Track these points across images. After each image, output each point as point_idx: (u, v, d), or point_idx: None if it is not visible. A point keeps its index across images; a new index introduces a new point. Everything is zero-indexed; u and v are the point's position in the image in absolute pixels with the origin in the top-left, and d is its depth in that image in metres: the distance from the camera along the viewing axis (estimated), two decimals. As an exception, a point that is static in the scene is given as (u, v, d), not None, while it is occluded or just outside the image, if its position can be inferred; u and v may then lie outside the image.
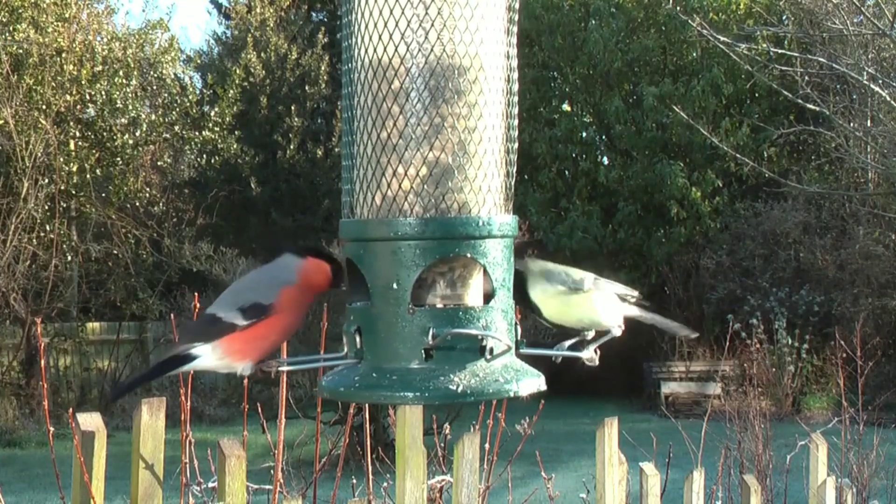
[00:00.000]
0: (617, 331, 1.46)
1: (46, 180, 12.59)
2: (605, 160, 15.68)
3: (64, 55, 12.85)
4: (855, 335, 5.84)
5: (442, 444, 2.74)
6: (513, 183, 1.37)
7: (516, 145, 1.38)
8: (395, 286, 1.29)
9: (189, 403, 2.11)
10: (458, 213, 1.30)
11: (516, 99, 1.38)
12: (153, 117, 13.82)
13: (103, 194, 13.44)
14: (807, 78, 11.23)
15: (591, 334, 1.46)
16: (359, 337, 1.32)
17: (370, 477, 2.52)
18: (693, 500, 2.74)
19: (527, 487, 3.42)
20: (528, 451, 2.91)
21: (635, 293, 1.49)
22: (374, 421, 7.48)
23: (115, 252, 13.43)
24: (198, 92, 15.55)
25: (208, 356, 1.35)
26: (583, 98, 15.67)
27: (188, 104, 14.47)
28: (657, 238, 14.92)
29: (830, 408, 11.66)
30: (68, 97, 12.87)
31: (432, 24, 1.29)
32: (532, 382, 1.31)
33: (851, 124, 12.19)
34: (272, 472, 2.20)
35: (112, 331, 14.14)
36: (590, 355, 1.44)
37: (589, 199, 15.17)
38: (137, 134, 13.52)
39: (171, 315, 2.40)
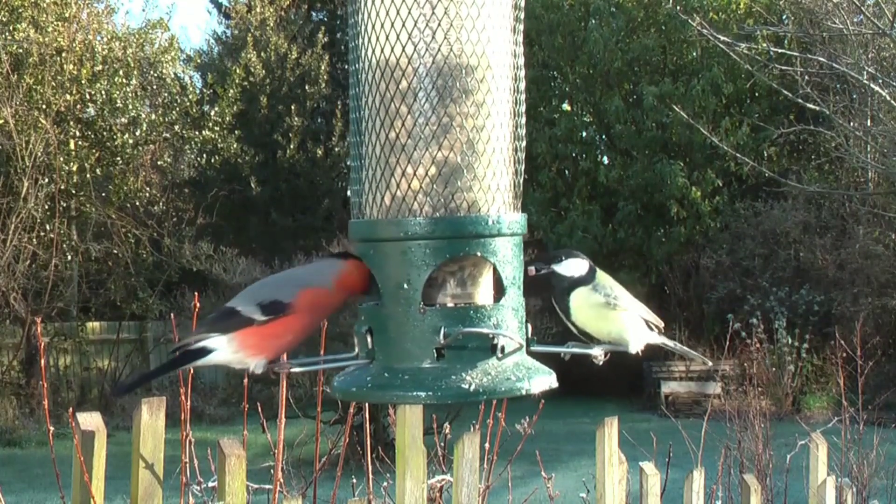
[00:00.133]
0: (632, 350, 1.48)
1: (46, 180, 12.59)
2: (605, 160, 15.68)
3: (64, 55, 12.86)
4: (855, 335, 5.84)
5: (442, 444, 2.74)
6: (521, 181, 1.37)
7: (524, 143, 1.38)
8: (405, 286, 1.29)
9: (189, 403, 2.11)
10: (467, 212, 1.30)
11: (524, 97, 1.38)
12: (153, 117, 13.82)
13: (103, 194, 13.44)
14: (807, 77, 11.23)
15: (606, 347, 1.47)
16: (370, 337, 1.32)
17: (370, 476, 2.52)
18: (693, 500, 2.74)
19: (527, 487, 3.42)
20: (528, 450, 2.91)
21: (661, 323, 1.52)
22: (374, 420, 7.48)
23: (115, 252, 13.43)
24: (198, 91, 15.54)
25: (223, 349, 1.35)
26: (583, 98, 15.67)
27: (188, 104, 14.47)
28: (657, 238, 14.93)
29: (830, 407, 11.66)
30: (68, 97, 12.87)
31: (439, 24, 1.29)
32: (544, 380, 1.32)
33: (851, 124, 12.19)
34: (272, 471, 2.20)
35: (112, 330, 14.14)
36: (598, 352, 1.45)
37: (589, 198, 15.17)
38: (137, 133, 13.52)
39: (171, 315, 2.40)
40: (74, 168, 12.85)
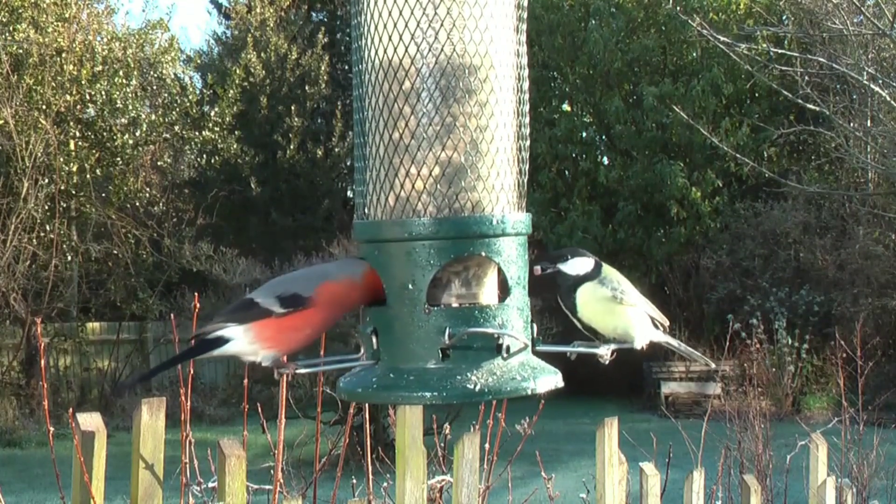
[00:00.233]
0: (637, 346, 1.48)
1: (46, 180, 12.59)
2: (605, 160, 15.68)
3: (64, 55, 12.86)
4: (855, 335, 5.84)
5: (442, 444, 2.74)
6: (525, 181, 1.37)
7: (528, 143, 1.38)
8: (410, 286, 1.29)
9: (189, 403, 2.11)
10: (471, 212, 1.30)
11: (527, 97, 1.38)
12: (153, 117, 13.82)
13: (103, 194, 13.44)
14: (807, 78, 11.23)
15: (612, 345, 1.47)
16: (375, 338, 1.32)
17: (370, 477, 2.52)
18: (693, 500, 2.74)
19: (527, 487, 3.42)
20: (528, 451, 2.91)
21: (666, 321, 1.52)
22: (374, 421, 7.48)
23: (115, 252, 13.43)
24: (198, 92, 15.54)
25: (240, 339, 1.35)
26: (583, 98, 15.67)
27: (188, 104, 14.47)
28: (657, 238, 14.93)
29: (830, 408, 11.66)
30: (68, 97, 12.87)
31: (442, 24, 1.29)
32: (550, 380, 1.32)
33: (851, 124, 12.19)
34: (272, 472, 2.20)
35: (112, 331, 14.14)
36: (605, 352, 1.45)
37: (589, 199, 15.17)
38: (137, 134, 13.52)
39: (171, 315, 2.40)
40: (74, 168, 12.85)
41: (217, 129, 14.67)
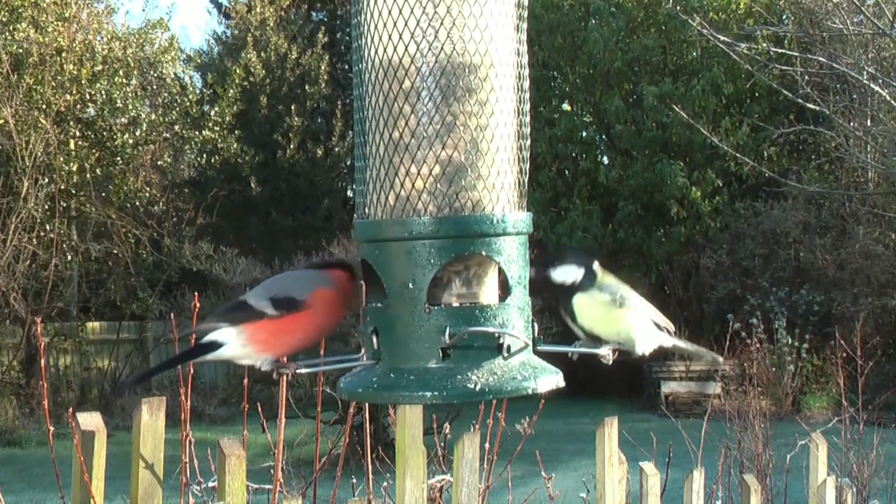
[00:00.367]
0: (639, 351, 1.48)
1: (46, 180, 12.59)
2: (605, 160, 15.68)
3: (64, 55, 12.86)
4: (855, 335, 5.84)
5: (442, 444, 2.74)
6: (526, 180, 1.37)
7: (529, 142, 1.37)
8: (410, 286, 1.29)
9: (189, 403, 2.11)
10: (472, 212, 1.30)
11: (528, 96, 1.38)
12: (153, 117, 13.82)
13: (103, 194, 13.44)
14: (807, 77, 11.23)
15: (613, 345, 1.47)
16: (375, 338, 1.32)
17: (370, 477, 2.52)
18: (693, 500, 2.74)
19: (527, 487, 3.42)
20: (528, 450, 2.91)
21: (671, 326, 1.52)
22: (374, 421, 7.48)
23: (115, 252, 13.43)
24: (198, 92, 15.54)
25: (233, 343, 1.35)
26: (583, 98, 15.67)
27: (188, 104, 14.47)
28: (657, 238, 14.93)
29: (830, 407, 11.66)
30: (68, 97, 12.87)
31: (442, 23, 1.29)
32: (551, 379, 1.31)
33: (851, 124, 12.19)
34: (272, 471, 2.20)
35: (112, 330, 14.15)
36: (606, 352, 1.45)
37: (589, 198, 15.17)
38: (137, 134, 13.52)
39: (171, 315, 2.40)
40: (74, 168, 12.85)
41: (217, 128, 14.67)
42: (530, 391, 1.29)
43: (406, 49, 1.29)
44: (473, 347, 1.28)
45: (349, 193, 16.95)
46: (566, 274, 1.46)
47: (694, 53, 15.48)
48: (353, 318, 1.39)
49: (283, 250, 13.61)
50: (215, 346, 1.35)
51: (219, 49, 18.06)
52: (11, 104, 12.24)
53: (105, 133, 13.31)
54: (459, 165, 1.30)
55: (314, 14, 18.64)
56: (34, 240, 12.52)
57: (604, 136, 15.71)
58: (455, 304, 1.32)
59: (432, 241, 1.28)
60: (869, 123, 12.64)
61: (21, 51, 12.59)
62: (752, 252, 14.28)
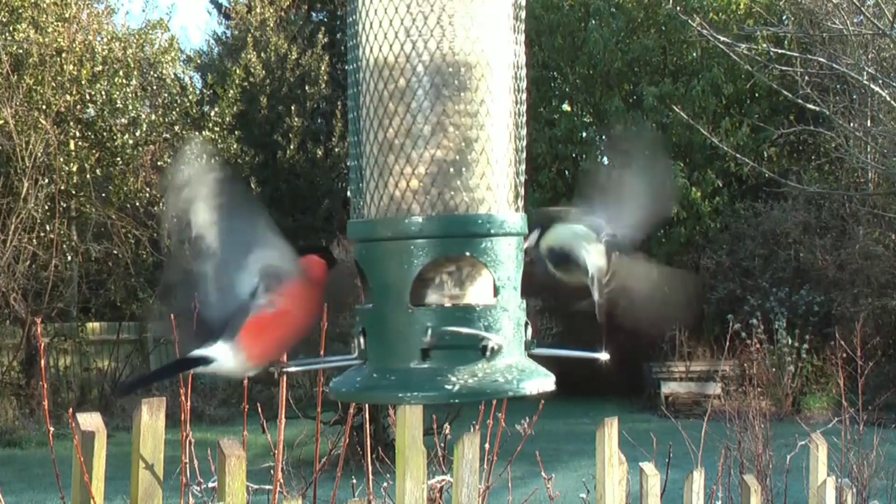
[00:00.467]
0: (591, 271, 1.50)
1: (46, 180, 12.59)
2: (605, 160, 15.66)
3: (64, 55, 12.85)
4: (855, 335, 5.84)
5: (442, 444, 2.74)
6: (522, 181, 1.35)
7: (525, 143, 1.36)
8: (394, 286, 1.27)
9: (189, 403, 2.11)
10: (464, 212, 1.28)
11: (525, 97, 1.36)
12: (153, 117, 13.82)
13: (103, 194, 13.44)
14: (807, 78, 11.23)
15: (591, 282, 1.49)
16: (363, 338, 1.31)
17: (370, 477, 2.52)
18: (693, 500, 2.74)
19: (527, 487, 3.42)
20: (528, 451, 2.91)
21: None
22: (374, 421, 7.48)
23: (115, 252, 13.42)
24: (198, 92, 15.54)
25: (227, 358, 1.35)
26: (583, 98, 15.67)
27: (188, 104, 14.47)
28: (657, 238, 14.92)
29: (830, 408, 11.65)
30: (68, 97, 12.87)
31: (437, 21, 1.28)
32: (538, 382, 1.29)
33: (851, 124, 12.19)
34: (272, 472, 2.20)
35: (112, 331, 14.14)
36: (604, 356, 1.45)
37: (589, 199, 15.16)
38: (137, 134, 13.52)
39: (171, 315, 2.40)
40: (74, 168, 12.85)
41: (217, 129, 14.66)
42: (511, 394, 1.27)
43: (402, 47, 1.28)
44: (457, 349, 1.26)
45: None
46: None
47: (694, 54, 15.49)
48: (353, 318, 1.39)
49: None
50: (208, 361, 1.35)
51: (219, 49, 18.07)
52: (11, 105, 12.24)
53: (105, 133, 13.31)
54: (452, 165, 1.28)
55: (314, 14, 18.65)
56: (34, 240, 12.51)
57: (604, 137, 15.70)
58: (441, 305, 1.30)
59: (417, 241, 1.27)
60: (869, 124, 12.64)
61: (21, 51, 12.59)
62: (752, 252, 14.28)
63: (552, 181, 15.22)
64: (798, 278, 13.97)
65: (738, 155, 12.02)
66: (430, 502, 2.52)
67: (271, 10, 16.93)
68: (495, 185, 1.31)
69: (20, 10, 12.66)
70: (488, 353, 1.26)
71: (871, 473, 4.68)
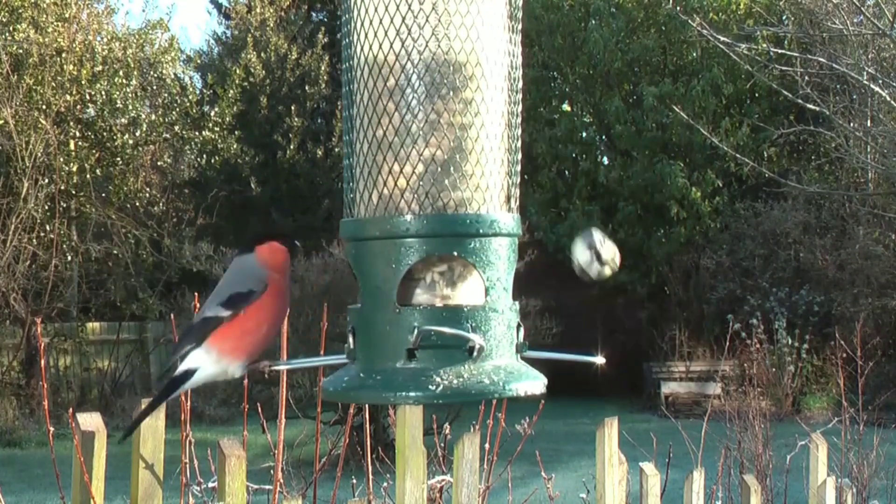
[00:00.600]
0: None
1: (46, 180, 12.59)
2: (605, 160, 15.68)
3: (64, 55, 12.86)
4: (855, 335, 5.84)
5: (442, 444, 2.73)
6: (515, 182, 1.34)
7: (519, 143, 1.35)
8: (382, 285, 1.27)
9: (189, 403, 2.11)
10: (454, 211, 1.27)
11: (520, 97, 1.35)
12: (153, 117, 13.82)
13: (103, 194, 13.44)
14: (807, 78, 11.22)
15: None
16: (352, 337, 1.31)
17: (370, 477, 2.52)
18: (693, 500, 2.73)
19: (527, 487, 3.42)
20: (528, 451, 2.91)
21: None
22: (374, 421, 7.48)
23: (115, 252, 13.43)
24: (198, 92, 15.55)
25: (204, 362, 1.36)
26: (583, 98, 15.67)
27: (188, 104, 14.48)
28: (657, 238, 14.93)
29: (830, 408, 11.66)
30: (68, 97, 12.87)
31: (427, 20, 1.27)
32: (526, 385, 1.27)
33: (851, 124, 12.19)
34: (272, 472, 2.20)
35: (112, 331, 14.15)
36: (600, 360, 1.44)
37: (589, 199, 15.18)
38: (137, 134, 13.52)
39: (171, 315, 2.40)
40: (74, 168, 12.85)
41: (217, 129, 14.67)
42: (497, 395, 1.25)
43: (391, 46, 1.28)
44: (443, 349, 1.25)
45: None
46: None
47: (694, 54, 15.48)
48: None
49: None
50: (189, 374, 1.36)
51: (219, 49, 18.07)
52: (11, 104, 12.24)
53: (105, 133, 13.31)
54: (443, 164, 1.28)
55: (314, 14, 18.67)
56: (34, 240, 12.51)
57: (604, 137, 15.71)
58: (429, 305, 1.29)
59: (404, 241, 1.26)
60: (869, 124, 12.64)
61: (21, 51, 12.59)
62: (752, 252, 14.28)
63: (552, 181, 15.22)
64: (798, 278, 13.97)
65: (738, 155, 12.01)
66: (430, 502, 2.52)
67: (271, 10, 16.94)
68: (486, 185, 1.30)
69: (20, 10, 12.66)
70: (474, 354, 1.25)
71: (871, 473, 4.68)
